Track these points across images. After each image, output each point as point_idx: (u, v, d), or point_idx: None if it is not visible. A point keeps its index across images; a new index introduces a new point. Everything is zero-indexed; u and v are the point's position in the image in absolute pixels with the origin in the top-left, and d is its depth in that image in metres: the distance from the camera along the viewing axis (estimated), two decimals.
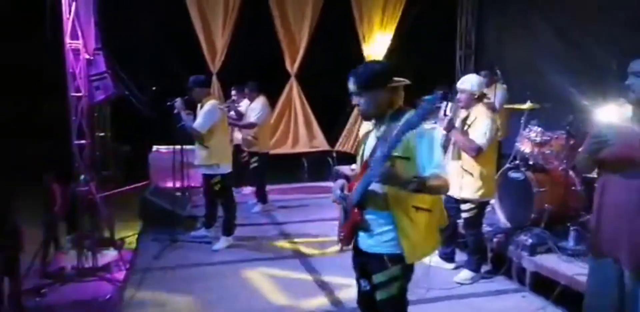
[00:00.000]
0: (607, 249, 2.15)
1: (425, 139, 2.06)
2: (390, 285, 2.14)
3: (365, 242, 2.18)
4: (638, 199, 2.03)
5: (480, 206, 3.65)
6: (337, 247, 2.56)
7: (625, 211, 2.07)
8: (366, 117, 2.22)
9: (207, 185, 4.67)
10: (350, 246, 2.30)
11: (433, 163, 2.04)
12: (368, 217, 2.13)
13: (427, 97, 1.93)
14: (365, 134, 2.29)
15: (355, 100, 2.13)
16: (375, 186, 2.06)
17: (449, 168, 3.64)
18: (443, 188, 2.07)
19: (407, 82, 2.18)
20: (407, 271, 2.17)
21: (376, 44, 7.99)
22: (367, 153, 2.20)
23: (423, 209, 2.10)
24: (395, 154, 1.99)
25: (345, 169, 6.58)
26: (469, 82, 3.59)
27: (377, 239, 2.13)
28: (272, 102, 6.80)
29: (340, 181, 2.30)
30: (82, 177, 4.55)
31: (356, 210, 2.13)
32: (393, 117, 2.14)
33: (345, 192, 2.23)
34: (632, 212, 2.05)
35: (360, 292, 2.34)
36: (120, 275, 4.29)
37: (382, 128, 2.17)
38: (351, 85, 2.12)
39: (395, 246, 2.10)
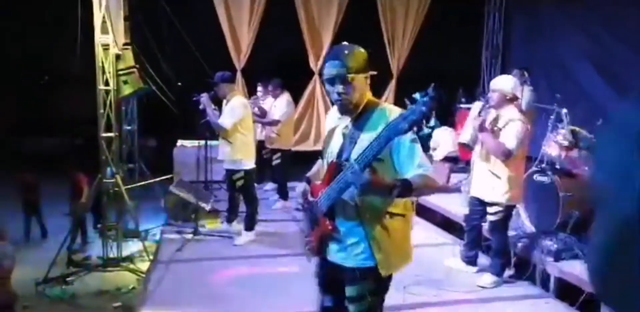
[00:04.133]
0: None
1: (403, 139, 1.78)
2: (363, 300, 1.99)
3: (337, 254, 2.00)
4: None
5: (507, 209, 3.60)
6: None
7: None
8: (348, 110, 1.91)
9: (230, 180, 4.71)
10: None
11: (415, 164, 1.81)
12: (339, 227, 1.94)
13: (419, 96, 1.62)
14: (330, 131, 2.03)
15: (339, 88, 1.84)
16: (344, 194, 1.85)
17: (477, 169, 3.62)
18: (431, 187, 1.85)
19: (374, 72, 1.95)
20: (382, 284, 2.01)
21: (400, 43, 7.95)
22: (333, 153, 1.97)
23: (397, 214, 1.93)
24: None
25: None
26: (502, 82, 3.53)
27: (348, 252, 1.96)
28: (295, 99, 6.83)
29: (303, 185, 2.11)
30: (108, 169, 4.66)
31: (326, 219, 1.94)
32: (363, 111, 1.91)
33: (310, 198, 2.02)
34: None
35: (322, 308, 2.17)
36: (143, 266, 4.38)
37: (349, 124, 1.95)
38: (337, 69, 1.82)
39: (368, 258, 1.92)
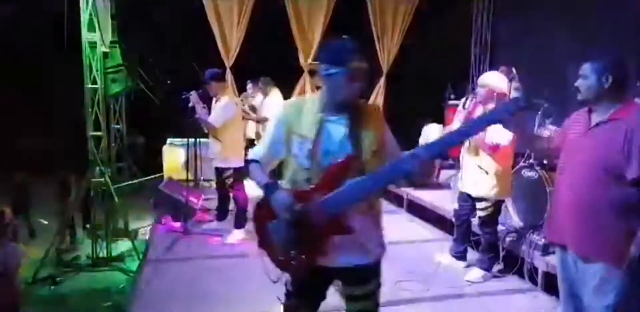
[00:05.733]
0: (557, 238, 2.34)
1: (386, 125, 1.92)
2: (377, 293, 1.95)
3: (349, 256, 1.84)
4: (576, 197, 2.20)
5: (496, 204, 3.63)
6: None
7: (568, 206, 2.24)
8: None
9: (220, 178, 4.70)
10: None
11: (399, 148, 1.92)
12: (355, 224, 1.81)
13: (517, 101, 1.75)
14: (320, 128, 1.83)
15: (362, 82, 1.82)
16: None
17: (465, 165, 3.65)
18: None
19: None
20: None
21: (390, 40, 7.96)
22: (332, 149, 1.82)
23: None
24: (374, 148, 1.82)
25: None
26: (490, 78, 3.55)
27: (366, 249, 1.86)
28: (286, 97, 6.82)
29: (285, 194, 1.81)
30: (97, 168, 4.62)
31: (338, 222, 1.78)
32: (356, 106, 1.87)
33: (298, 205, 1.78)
34: (574, 208, 2.21)
35: None
36: (133, 265, 4.36)
37: (345, 119, 1.84)
38: (365, 64, 1.80)
39: (381, 246, 1.91)
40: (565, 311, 2.38)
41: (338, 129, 1.84)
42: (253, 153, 2.01)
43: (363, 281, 1.92)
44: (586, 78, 2.18)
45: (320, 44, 1.73)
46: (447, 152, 1.80)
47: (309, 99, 1.94)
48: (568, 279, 2.31)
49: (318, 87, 1.88)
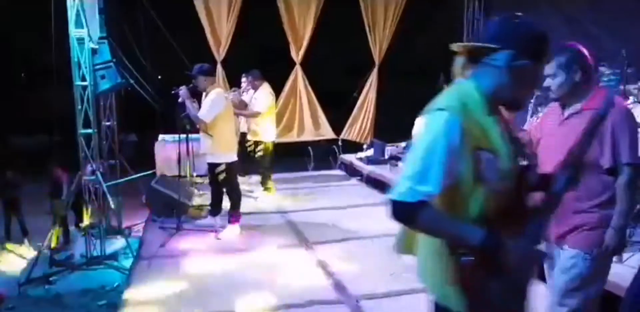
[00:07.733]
0: None
1: None
2: None
3: None
4: None
5: None
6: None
7: None
8: None
9: (213, 173, 4.67)
10: None
11: None
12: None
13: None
14: (496, 129, 1.37)
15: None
16: None
17: None
18: None
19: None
20: None
21: (382, 31, 7.92)
22: (508, 163, 1.36)
23: None
24: None
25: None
26: None
27: None
28: (277, 90, 6.78)
29: (524, 243, 1.36)
30: (88, 166, 4.58)
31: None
32: None
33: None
34: None
35: None
36: (127, 263, 4.34)
37: (501, 122, 1.42)
38: None
39: None
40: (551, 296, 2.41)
41: (505, 136, 1.39)
42: (411, 189, 1.29)
43: None
44: (555, 76, 2.16)
45: (497, 22, 1.39)
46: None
47: (462, 95, 1.40)
48: (551, 266, 2.32)
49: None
